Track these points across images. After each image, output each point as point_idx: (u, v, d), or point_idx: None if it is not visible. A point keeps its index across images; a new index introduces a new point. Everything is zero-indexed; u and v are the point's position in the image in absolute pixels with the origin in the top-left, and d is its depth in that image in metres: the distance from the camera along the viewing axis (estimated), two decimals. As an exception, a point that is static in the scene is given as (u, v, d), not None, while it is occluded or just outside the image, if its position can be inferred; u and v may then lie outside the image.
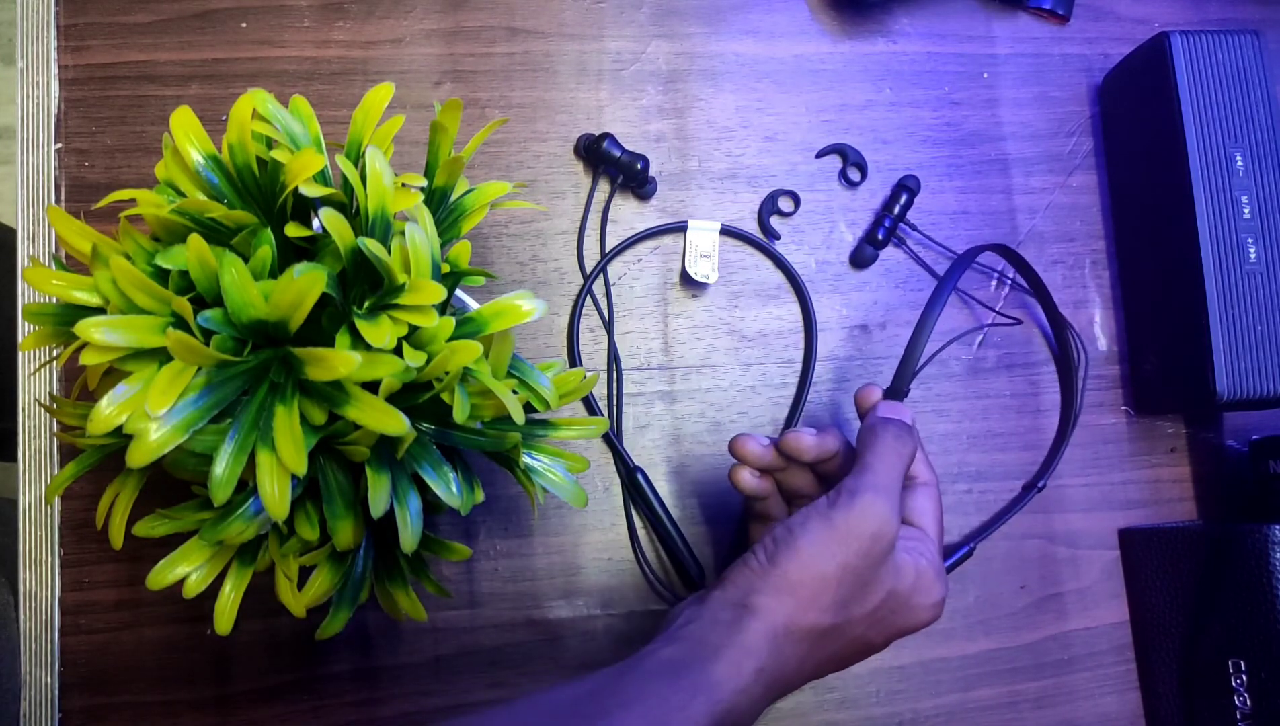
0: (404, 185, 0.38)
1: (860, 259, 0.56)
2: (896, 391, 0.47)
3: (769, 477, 0.47)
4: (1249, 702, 0.49)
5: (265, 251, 0.35)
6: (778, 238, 0.56)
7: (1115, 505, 0.57)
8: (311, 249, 0.38)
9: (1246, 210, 0.52)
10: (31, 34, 0.52)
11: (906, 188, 0.56)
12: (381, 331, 0.34)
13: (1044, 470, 0.55)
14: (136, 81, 0.52)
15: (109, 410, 0.32)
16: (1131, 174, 0.58)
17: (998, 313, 0.57)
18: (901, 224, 0.57)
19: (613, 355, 0.53)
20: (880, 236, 0.56)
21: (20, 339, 0.50)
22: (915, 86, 0.59)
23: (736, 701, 0.37)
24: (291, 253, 0.38)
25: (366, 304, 0.36)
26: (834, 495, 0.40)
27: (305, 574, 0.40)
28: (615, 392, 0.53)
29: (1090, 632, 0.55)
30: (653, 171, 0.55)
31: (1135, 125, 0.57)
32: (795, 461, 0.46)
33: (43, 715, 0.47)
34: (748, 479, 0.46)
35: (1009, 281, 0.58)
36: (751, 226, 0.56)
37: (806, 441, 0.45)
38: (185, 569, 0.38)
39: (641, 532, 0.53)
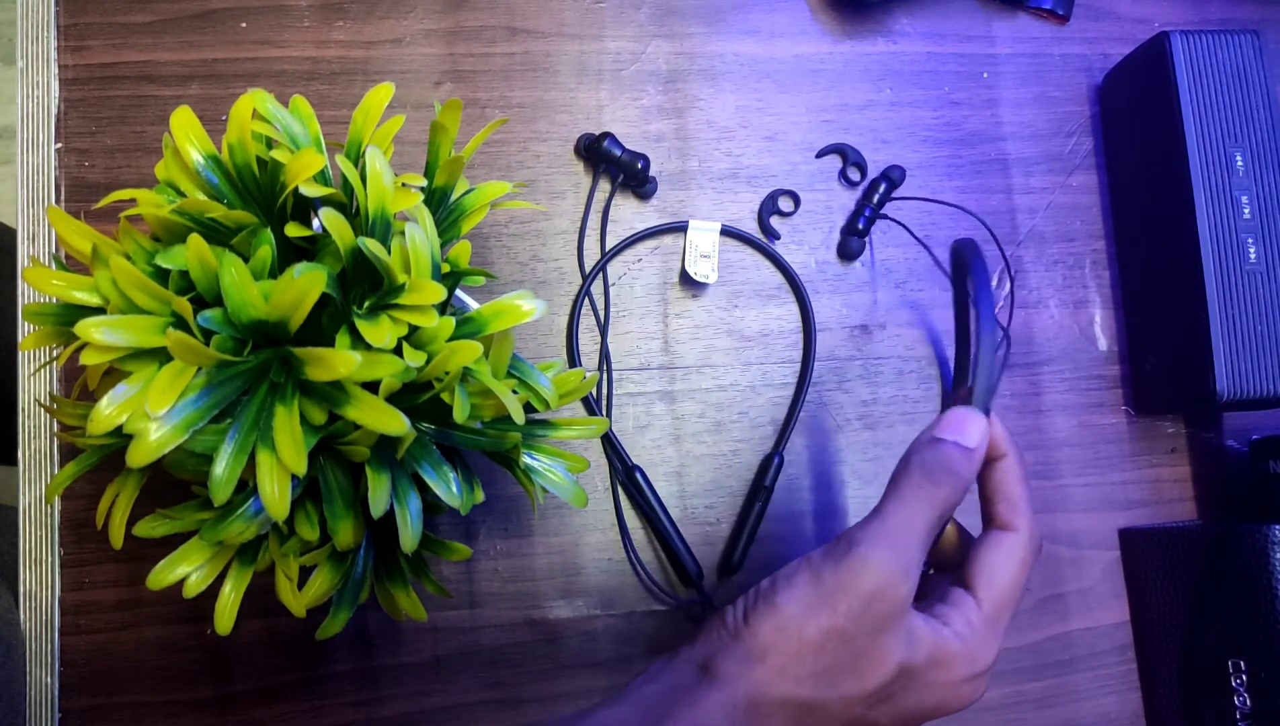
0: (404, 185, 0.38)
1: (846, 251, 0.56)
2: (969, 396, 0.37)
3: None
4: (1249, 702, 0.49)
5: (265, 251, 0.35)
6: (778, 238, 0.56)
7: (1115, 505, 0.57)
8: (311, 249, 0.38)
9: (1246, 210, 0.52)
10: (31, 34, 0.52)
11: (888, 177, 0.56)
12: (381, 331, 0.34)
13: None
14: (136, 81, 0.52)
15: (109, 410, 0.32)
16: (1131, 174, 0.58)
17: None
18: (884, 210, 0.56)
19: (604, 355, 0.53)
20: (861, 226, 0.56)
21: (20, 339, 0.50)
22: (915, 86, 0.59)
23: None
24: (291, 253, 0.38)
25: (366, 304, 0.36)
26: (832, 543, 0.35)
27: (305, 574, 0.40)
28: (607, 392, 0.53)
29: (1092, 633, 0.55)
30: (653, 171, 0.55)
31: (1135, 125, 0.57)
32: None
33: (43, 715, 0.47)
34: None
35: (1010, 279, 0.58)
36: (751, 226, 0.56)
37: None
38: (185, 569, 0.38)
39: (639, 532, 0.53)
